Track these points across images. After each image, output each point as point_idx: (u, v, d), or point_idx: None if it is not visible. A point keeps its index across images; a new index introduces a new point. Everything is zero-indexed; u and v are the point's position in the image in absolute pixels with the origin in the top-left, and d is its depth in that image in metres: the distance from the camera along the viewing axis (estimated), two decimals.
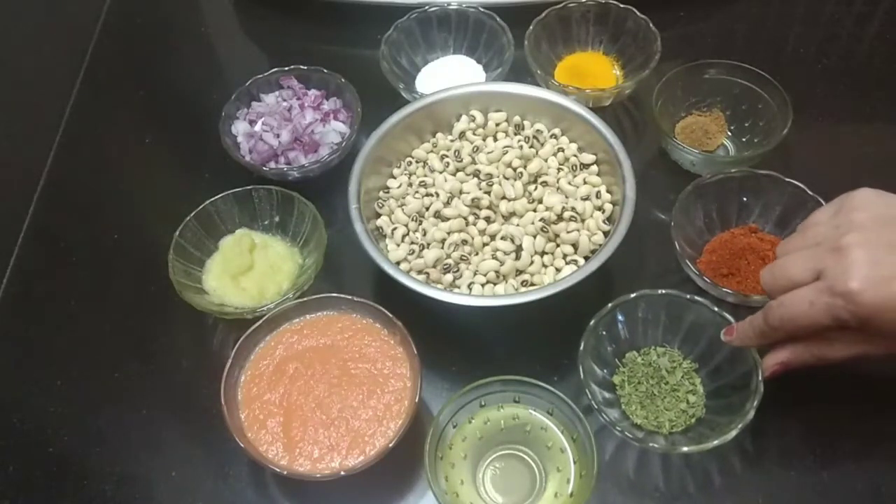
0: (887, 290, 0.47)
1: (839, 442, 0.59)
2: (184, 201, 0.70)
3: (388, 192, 0.69)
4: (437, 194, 0.67)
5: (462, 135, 0.71)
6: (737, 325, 0.57)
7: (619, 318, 0.61)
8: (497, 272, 0.64)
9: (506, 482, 0.57)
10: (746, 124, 0.75)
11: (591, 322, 0.60)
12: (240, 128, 0.76)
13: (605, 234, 0.65)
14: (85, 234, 0.76)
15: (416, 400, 0.57)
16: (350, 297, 0.62)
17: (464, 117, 0.71)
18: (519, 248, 0.64)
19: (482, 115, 0.71)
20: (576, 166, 0.68)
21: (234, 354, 0.59)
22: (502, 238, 0.64)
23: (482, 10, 0.81)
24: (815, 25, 0.86)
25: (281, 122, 0.76)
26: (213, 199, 0.69)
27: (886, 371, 0.61)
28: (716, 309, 0.59)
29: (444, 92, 0.71)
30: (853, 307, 0.47)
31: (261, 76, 0.78)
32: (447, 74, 0.80)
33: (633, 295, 0.61)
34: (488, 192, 0.66)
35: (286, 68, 0.79)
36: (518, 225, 0.66)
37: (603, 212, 0.66)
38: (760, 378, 0.56)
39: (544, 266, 0.65)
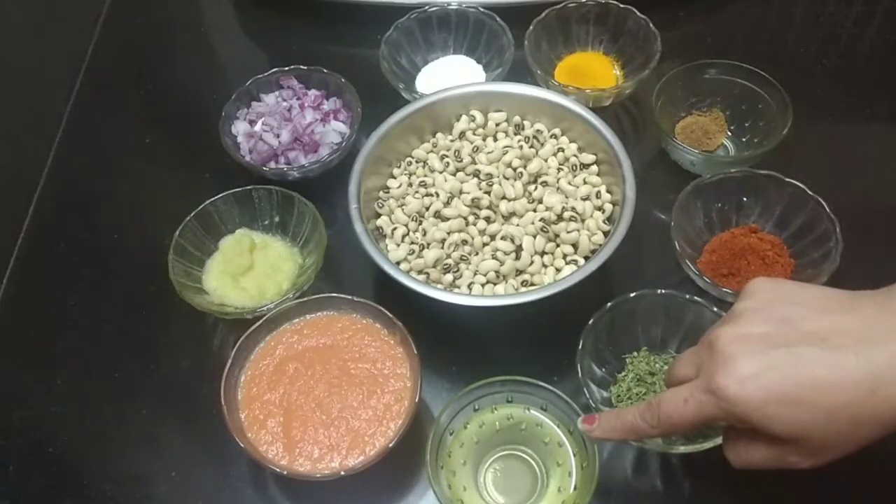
0: (754, 385, 0.43)
1: None
2: (184, 201, 0.69)
3: (388, 192, 0.69)
4: (437, 194, 0.67)
5: (462, 135, 0.71)
6: (601, 416, 0.52)
7: (619, 317, 0.61)
8: (497, 272, 0.64)
9: (507, 483, 0.57)
10: (746, 124, 0.75)
11: (590, 321, 0.60)
12: (240, 128, 0.76)
13: (605, 234, 0.65)
14: (85, 234, 0.76)
15: (416, 400, 0.57)
16: (350, 297, 0.62)
17: (464, 117, 0.71)
18: (519, 248, 0.64)
19: (482, 115, 0.71)
20: (576, 166, 0.68)
21: (234, 354, 0.59)
22: (502, 238, 0.64)
23: (482, 10, 0.81)
24: (815, 25, 0.86)
25: (281, 122, 0.76)
26: (213, 199, 0.69)
27: None
28: (715, 309, 0.59)
29: (444, 92, 0.71)
30: (724, 404, 0.44)
31: (261, 76, 0.78)
32: (447, 74, 0.80)
33: (632, 295, 0.61)
34: (488, 192, 0.66)
35: (286, 68, 0.79)
36: (518, 225, 0.66)
37: (603, 212, 0.66)
38: None
39: (544, 266, 0.65)
